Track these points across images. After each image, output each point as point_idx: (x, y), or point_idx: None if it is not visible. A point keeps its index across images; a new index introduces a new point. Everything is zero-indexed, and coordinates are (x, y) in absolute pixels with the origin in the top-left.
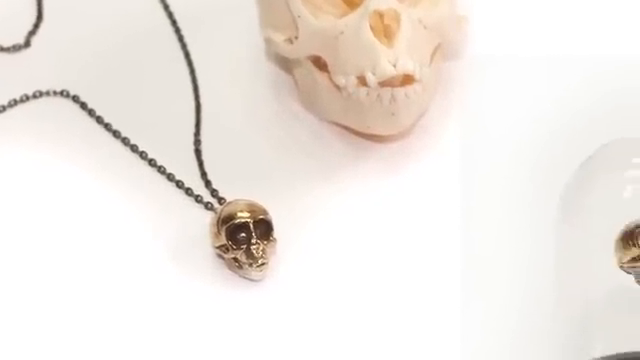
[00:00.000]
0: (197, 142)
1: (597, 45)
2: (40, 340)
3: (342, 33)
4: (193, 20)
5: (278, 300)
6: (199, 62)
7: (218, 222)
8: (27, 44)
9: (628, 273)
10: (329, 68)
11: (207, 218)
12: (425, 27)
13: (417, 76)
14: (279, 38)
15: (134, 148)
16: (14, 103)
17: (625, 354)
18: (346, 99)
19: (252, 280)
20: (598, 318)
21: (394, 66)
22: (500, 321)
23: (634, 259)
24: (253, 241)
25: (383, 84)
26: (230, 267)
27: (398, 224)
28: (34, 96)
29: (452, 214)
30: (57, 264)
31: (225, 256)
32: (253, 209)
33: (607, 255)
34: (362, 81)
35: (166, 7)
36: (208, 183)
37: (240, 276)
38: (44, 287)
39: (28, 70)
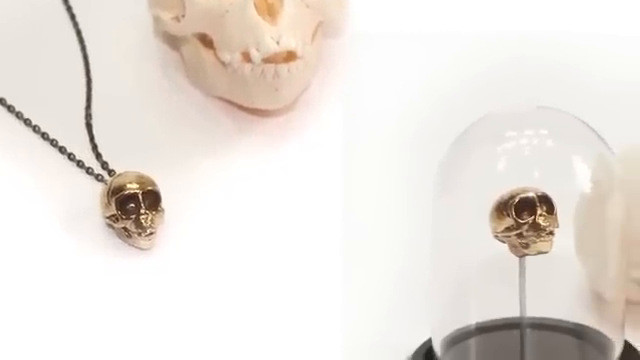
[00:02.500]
0: (88, 116)
1: (473, 22)
2: None
3: (227, 12)
4: None
5: (165, 268)
6: (90, 39)
7: (108, 193)
8: None
9: (502, 242)
10: (215, 45)
11: (98, 189)
12: (307, 5)
13: (299, 53)
14: (167, 16)
15: (27, 122)
16: None
17: (498, 320)
18: (231, 75)
19: (141, 249)
20: (473, 286)
21: (277, 43)
22: (379, 291)
23: (508, 229)
24: (142, 211)
25: (267, 60)
26: (120, 236)
27: (282, 195)
28: None
29: (334, 186)
30: None
31: (115, 226)
32: (142, 180)
33: (482, 226)
34: (246, 58)
35: None
36: (99, 156)
37: (129, 245)
38: None
39: None
